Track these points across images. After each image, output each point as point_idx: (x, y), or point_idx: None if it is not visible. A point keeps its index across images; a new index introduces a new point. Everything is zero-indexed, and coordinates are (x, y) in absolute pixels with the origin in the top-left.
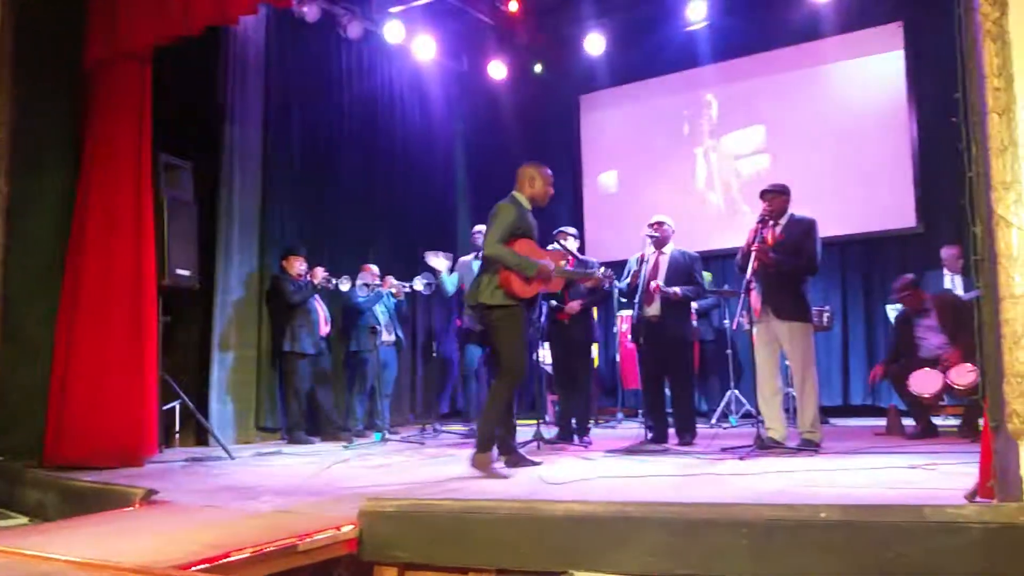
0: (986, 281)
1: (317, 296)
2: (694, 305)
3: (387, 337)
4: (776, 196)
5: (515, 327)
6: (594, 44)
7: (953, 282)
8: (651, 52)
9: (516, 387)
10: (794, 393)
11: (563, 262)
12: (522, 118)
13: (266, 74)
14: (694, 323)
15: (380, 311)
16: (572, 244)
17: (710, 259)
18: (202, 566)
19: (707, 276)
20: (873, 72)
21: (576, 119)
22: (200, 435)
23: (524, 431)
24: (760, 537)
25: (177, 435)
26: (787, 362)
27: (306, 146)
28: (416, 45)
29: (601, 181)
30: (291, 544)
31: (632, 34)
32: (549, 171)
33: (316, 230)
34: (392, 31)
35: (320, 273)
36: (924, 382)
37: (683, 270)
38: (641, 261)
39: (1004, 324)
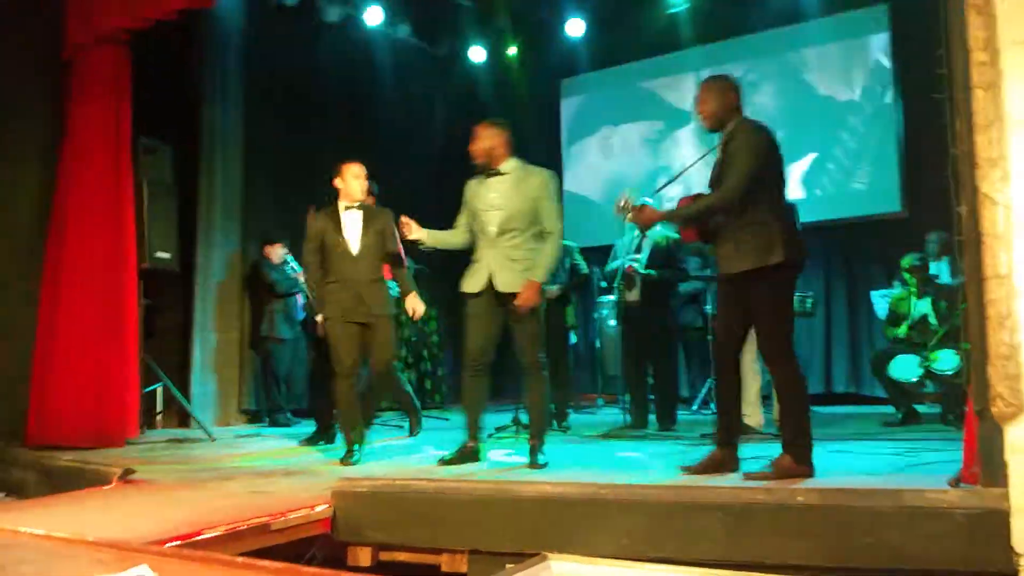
0: (971, 261)
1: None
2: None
3: None
4: None
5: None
6: (574, 27)
7: (938, 268)
8: (633, 35)
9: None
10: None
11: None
12: (502, 102)
13: (245, 57)
14: (682, 307)
15: None
16: None
17: None
18: (175, 543)
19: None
20: (858, 55)
21: (556, 103)
22: (182, 417)
23: (503, 416)
24: (736, 521)
25: (159, 417)
26: None
27: (286, 129)
28: (395, 29)
29: (582, 165)
30: (264, 523)
31: (613, 17)
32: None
33: (298, 213)
34: (371, 15)
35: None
36: (905, 368)
37: (665, 254)
38: (624, 249)
39: (989, 305)
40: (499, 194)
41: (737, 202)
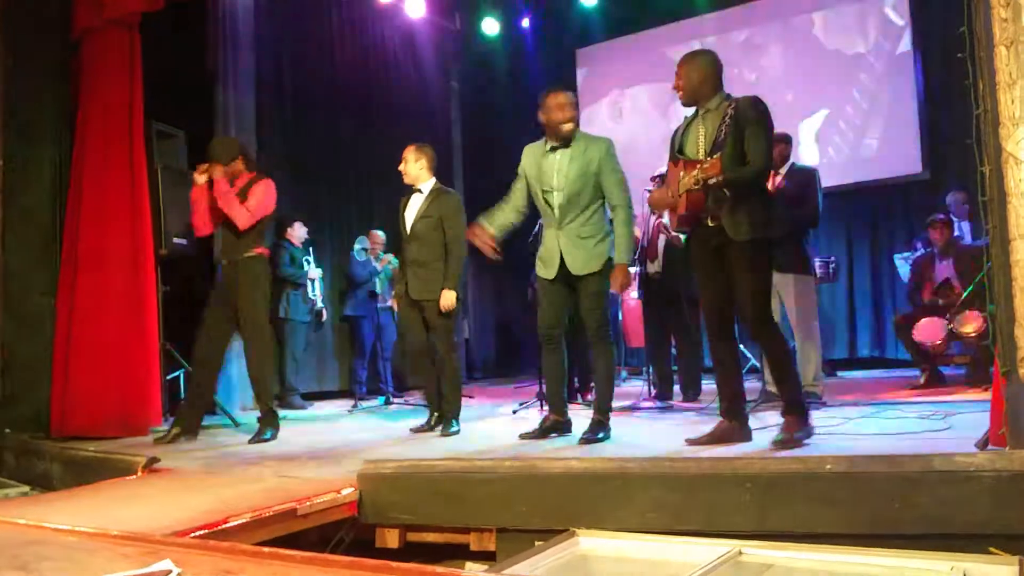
0: (995, 222)
1: (312, 263)
2: None
3: (383, 303)
4: (775, 144)
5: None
6: None
7: (960, 228)
8: (648, 2)
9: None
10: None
11: (681, 173)
12: (517, 75)
13: (257, 38)
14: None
15: (380, 277)
16: None
17: None
18: (200, 532)
19: None
20: (873, 16)
21: (572, 74)
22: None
23: (527, 391)
24: (764, 491)
25: (182, 404)
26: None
27: (300, 110)
28: (408, 4)
29: (594, 131)
30: (290, 508)
31: None
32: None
33: (313, 195)
34: None
35: (316, 274)
36: (929, 331)
37: None
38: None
39: (1015, 266)
40: (558, 172)
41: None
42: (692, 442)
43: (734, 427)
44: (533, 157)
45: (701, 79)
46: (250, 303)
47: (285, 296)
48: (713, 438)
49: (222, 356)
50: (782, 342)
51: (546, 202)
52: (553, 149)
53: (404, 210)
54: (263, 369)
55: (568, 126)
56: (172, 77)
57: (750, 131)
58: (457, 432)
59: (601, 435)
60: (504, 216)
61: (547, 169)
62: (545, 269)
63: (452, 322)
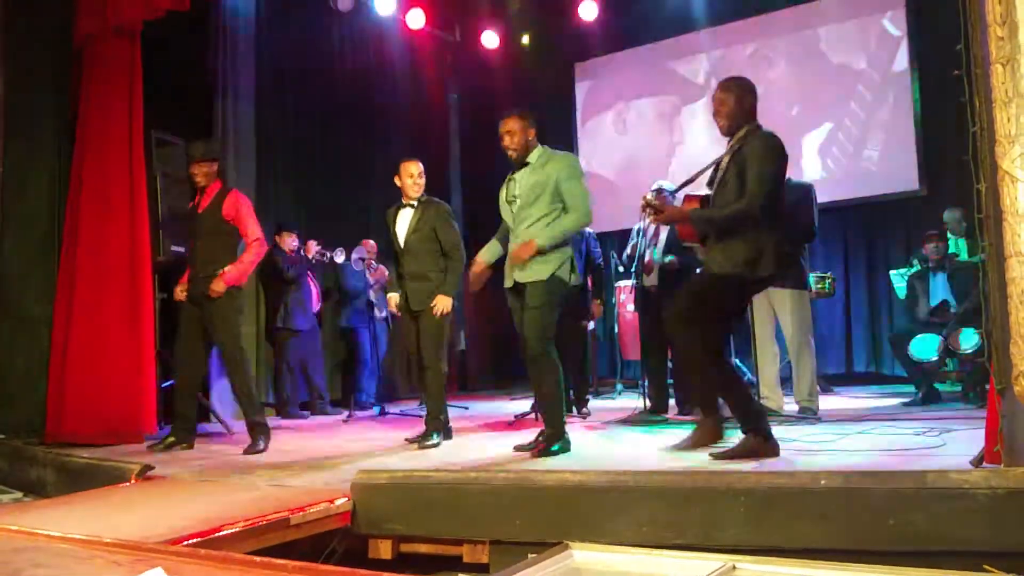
0: (991, 240)
1: (311, 272)
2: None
3: (379, 313)
4: None
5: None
6: (587, 10)
7: (957, 246)
8: (646, 17)
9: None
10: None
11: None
12: (516, 88)
13: (257, 49)
14: None
15: (374, 287)
16: None
17: None
18: (192, 540)
19: None
20: (873, 32)
21: (571, 87)
22: (200, 411)
23: (523, 403)
24: (759, 505)
25: (176, 412)
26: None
27: (300, 120)
28: (407, 16)
29: (598, 150)
30: (283, 518)
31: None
32: None
33: (312, 205)
34: (383, 2)
35: (313, 247)
36: (925, 347)
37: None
38: (641, 232)
39: (1010, 283)
40: (520, 184)
41: (761, 208)
42: (717, 456)
43: (757, 442)
44: (505, 181)
45: (735, 109)
46: (231, 336)
47: (283, 305)
48: (735, 453)
49: (205, 361)
50: (730, 369)
51: (506, 213)
52: (520, 167)
53: (394, 224)
54: (248, 389)
55: (512, 150)
56: (172, 86)
57: (747, 163)
58: (436, 445)
59: (556, 447)
60: (495, 245)
61: (511, 188)
62: (505, 279)
63: (442, 330)
